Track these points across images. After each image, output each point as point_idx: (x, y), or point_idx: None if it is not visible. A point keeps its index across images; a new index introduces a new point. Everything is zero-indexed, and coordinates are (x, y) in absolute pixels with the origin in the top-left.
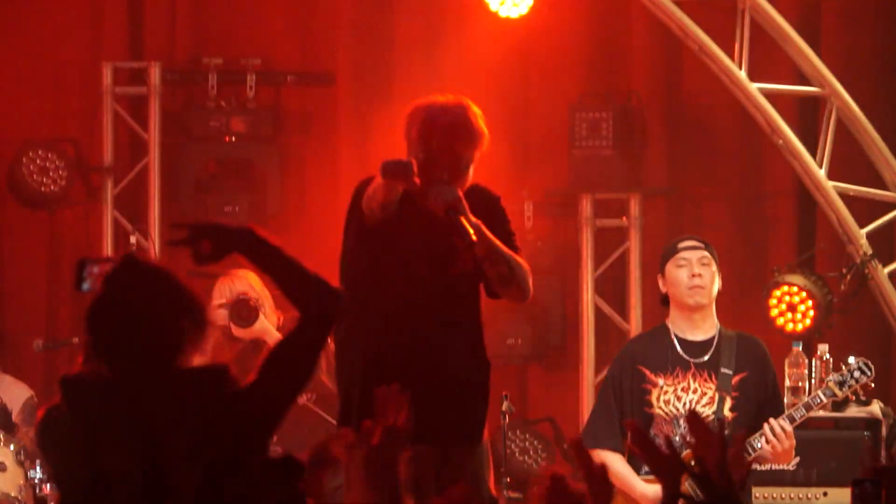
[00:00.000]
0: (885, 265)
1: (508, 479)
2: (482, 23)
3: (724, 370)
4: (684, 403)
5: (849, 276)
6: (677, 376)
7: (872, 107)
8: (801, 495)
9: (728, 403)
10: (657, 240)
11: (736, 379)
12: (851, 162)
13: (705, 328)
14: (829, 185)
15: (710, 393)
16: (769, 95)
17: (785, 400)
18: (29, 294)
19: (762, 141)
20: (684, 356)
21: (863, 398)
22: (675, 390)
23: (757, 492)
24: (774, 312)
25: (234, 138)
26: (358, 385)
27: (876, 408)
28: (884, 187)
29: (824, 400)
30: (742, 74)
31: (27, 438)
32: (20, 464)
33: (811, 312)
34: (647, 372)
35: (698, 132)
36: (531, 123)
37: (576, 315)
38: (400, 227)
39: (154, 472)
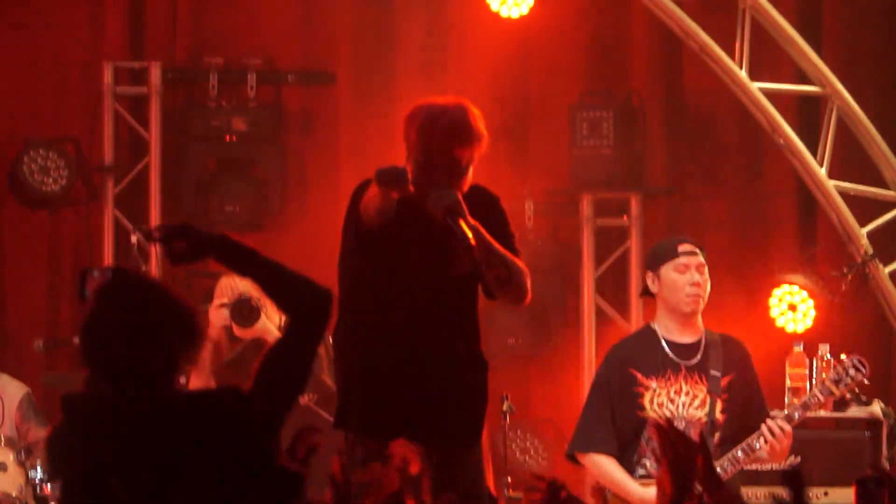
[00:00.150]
0: (885, 264)
1: (509, 479)
2: (483, 22)
3: (713, 372)
4: (677, 406)
5: (850, 276)
6: (669, 379)
7: (873, 106)
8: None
9: (719, 406)
10: (658, 239)
11: (725, 381)
12: (852, 161)
13: (692, 330)
14: (830, 184)
15: (701, 395)
16: (770, 95)
17: (786, 400)
18: (29, 294)
19: (763, 140)
20: (675, 359)
21: (859, 396)
22: (668, 393)
23: (758, 491)
24: (775, 312)
25: (234, 138)
26: (356, 386)
27: (877, 408)
28: (884, 186)
29: (822, 399)
30: (743, 74)
31: (31, 435)
32: (21, 464)
33: (812, 312)
34: (639, 375)
35: (699, 132)
36: (532, 123)
37: (576, 314)
38: (398, 229)
39: (159, 494)
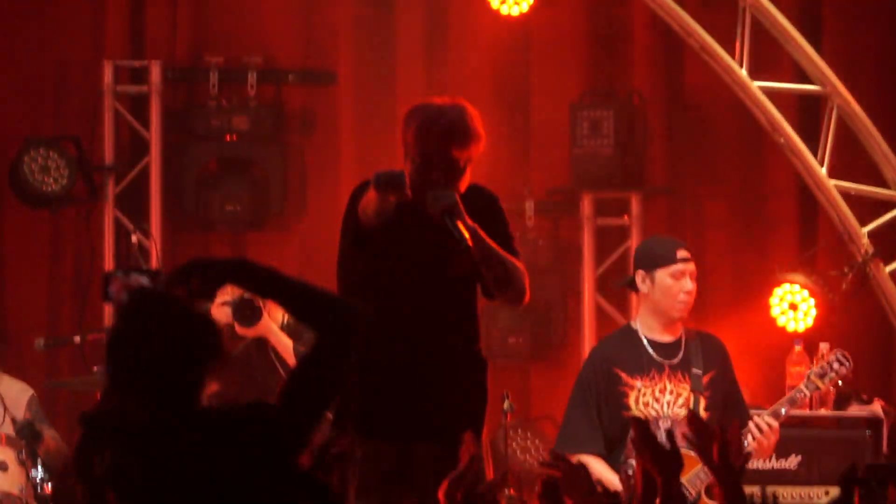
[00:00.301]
0: (886, 264)
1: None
2: (483, 21)
3: (694, 370)
4: (662, 405)
5: (850, 275)
6: (653, 378)
7: (873, 105)
8: (802, 494)
9: (702, 403)
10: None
11: (706, 378)
12: (852, 160)
13: (673, 329)
14: (831, 183)
15: (684, 394)
16: (770, 94)
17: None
18: (30, 293)
19: (763, 139)
20: (658, 358)
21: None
22: (653, 392)
23: (758, 490)
24: (776, 311)
25: (235, 137)
26: (355, 386)
27: (877, 407)
28: (885, 186)
29: (807, 394)
30: (743, 73)
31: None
32: (22, 463)
33: (813, 311)
34: (623, 375)
35: (699, 131)
36: (532, 122)
37: (577, 314)
38: (397, 229)
39: None
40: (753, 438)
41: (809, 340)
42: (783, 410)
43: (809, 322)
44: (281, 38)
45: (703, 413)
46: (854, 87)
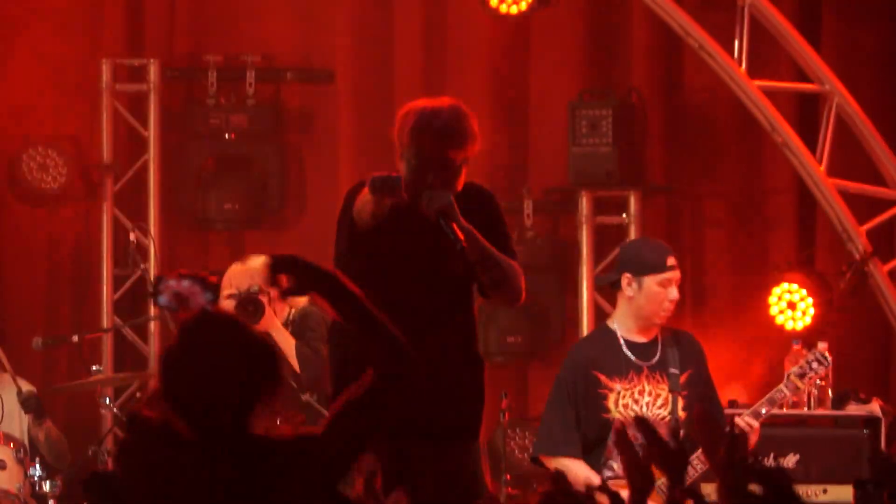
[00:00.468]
0: (884, 262)
1: (508, 477)
2: (482, 20)
3: (672, 370)
4: (641, 406)
5: (849, 274)
6: (632, 380)
7: (872, 104)
8: (801, 492)
9: (680, 403)
10: (657, 237)
11: (683, 378)
12: (851, 159)
13: (650, 331)
14: (829, 182)
15: (663, 394)
16: (769, 92)
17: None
18: (28, 291)
19: (762, 138)
20: (635, 359)
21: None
22: (632, 394)
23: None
24: (774, 310)
25: (233, 135)
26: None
27: (875, 406)
28: (883, 184)
29: (787, 394)
30: (742, 71)
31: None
32: (20, 461)
33: (811, 310)
34: (602, 377)
35: (698, 129)
36: (531, 120)
37: (575, 312)
38: (392, 229)
39: None
40: None
41: (808, 339)
42: (763, 410)
43: (808, 321)
44: (279, 36)
45: (681, 413)
46: (853, 85)
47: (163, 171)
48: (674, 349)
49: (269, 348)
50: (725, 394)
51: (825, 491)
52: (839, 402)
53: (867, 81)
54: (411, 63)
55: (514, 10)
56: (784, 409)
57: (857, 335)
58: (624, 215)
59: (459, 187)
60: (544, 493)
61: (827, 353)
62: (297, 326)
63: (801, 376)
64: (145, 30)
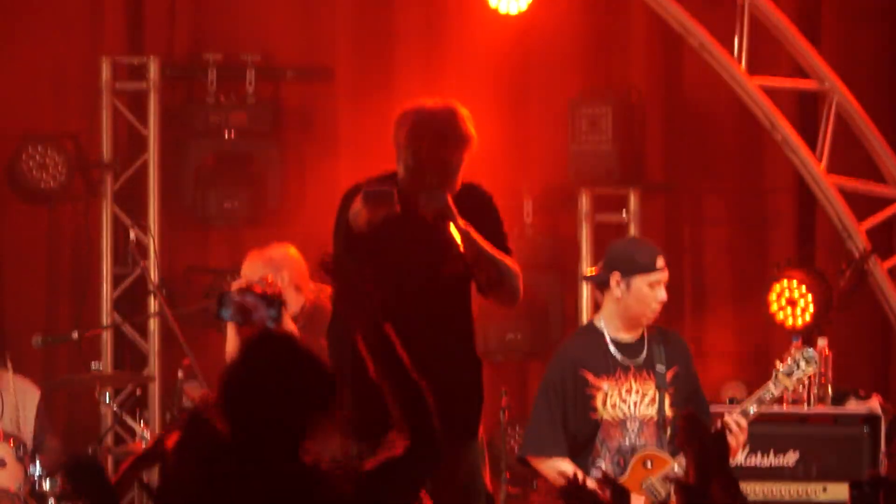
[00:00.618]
0: (884, 260)
1: (508, 475)
2: (482, 18)
3: (658, 368)
4: (629, 405)
5: (848, 272)
6: (619, 379)
7: (872, 101)
8: (800, 490)
9: (667, 401)
10: (657, 235)
11: (670, 375)
12: (851, 157)
13: (637, 329)
14: (829, 179)
15: (650, 393)
16: (769, 90)
17: (785, 396)
18: (28, 290)
19: (762, 136)
20: (622, 358)
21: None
22: (620, 393)
23: (757, 487)
24: (774, 307)
25: (233, 134)
26: (348, 384)
27: (875, 403)
28: (883, 182)
29: (776, 393)
30: (742, 69)
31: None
32: (20, 460)
33: (811, 307)
34: (590, 376)
35: (698, 127)
36: (531, 119)
37: (575, 310)
38: (389, 230)
39: None
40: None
41: (807, 336)
42: (752, 409)
43: (807, 318)
44: (279, 35)
45: (668, 411)
46: (852, 83)
47: (162, 170)
48: (660, 347)
49: (327, 377)
50: (725, 391)
51: (825, 489)
52: (839, 399)
53: (867, 79)
54: (411, 61)
55: (514, 9)
56: (785, 407)
57: (856, 333)
58: (624, 213)
59: (457, 187)
60: (561, 489)
61: (814, 352)
62: (308, 320)
63: (789, 375)
64: (145, 28)
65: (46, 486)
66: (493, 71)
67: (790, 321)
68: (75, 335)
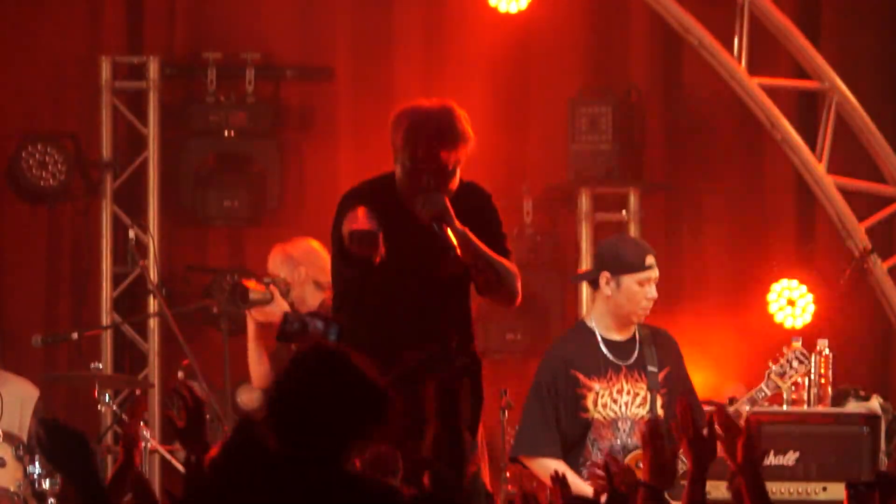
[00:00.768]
0: (884, 259)
1: (508, 475)
2: (481, 18)
3: (650, 368)
4: (620, 406)
5: (848, 271)
6: (610, 379)
7: (872, 101)
8: (800, 490)
9: (659, 401)
10: (656, 234)
11: (661, 375)
12: (851, 156)
13: (628, 329)
14: (829, 179)
15: (642, 393)
16: (768, 90)
17: (784, 395)
18: (28, 289)
19: (762, 135)
20: (614, 358)
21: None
22: (611, 393)
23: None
24: (774, 307)
25: (233, 133)
26: None
27: (875, 403)
28: (883, 182)
29: (768, 393)
30: (742, 69)
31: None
32: (19, 459)
33: (811, 307)
34: (581, 376)
35: (698, 127)
36: (530, 118)
37: (575, 309)
38: (388, 230)
39: None
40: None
41: (807, 336)
42: (744, 410)
43: (807, 318)
44: (279, 34)
45: (659, 411)
46: (852, 83)
47: (162, 169)
48: (651, 347)
49: (381, 392)
50: (725, 391)
51: (825, 489)
52: (839, 399)
53: (867, 79)
54: (411, 60)
55: (513, 8)
56: (785, 407)
57: (856, 332)
58: (623, 212)
59: (454, 187)
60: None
61: (806, 352)
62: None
63: (782, 375)
64: (145, 27)
65: (46, 485)
66: (493, 70)
67: (790, 321)
68: (75, 335)
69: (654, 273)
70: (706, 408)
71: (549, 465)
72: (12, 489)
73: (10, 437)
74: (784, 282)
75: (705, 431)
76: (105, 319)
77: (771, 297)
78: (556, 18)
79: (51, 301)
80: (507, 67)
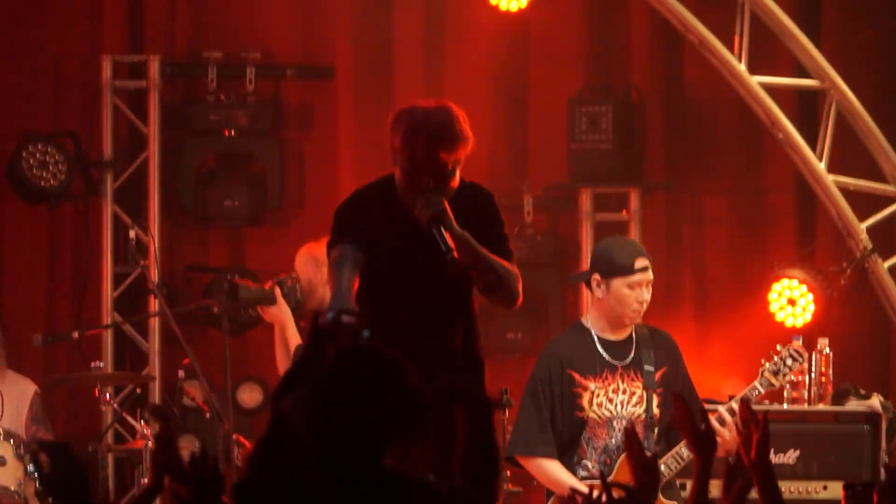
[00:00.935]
0: (884, 259)
1: (509, 474)
2: (482, 16)
3: (647, 367)
4: (616, 405)
5: (849, 271)
6: (606, 378)
7: (872, 100)
8: (801, 489)
9: (655, 401)
10: (657, 234)
11: (658, 375)
12: (851, 156)
13: (624, 329)
14: (829, 178)
15: (638, 392)
16: (769, 89)
17: (785, 395)
18: (28, 288)
19: (762, 135)
20: (610, 357)
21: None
22: (607, 392)
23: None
24: (775, 307)
25: (233, 132)
26: None
27: (876, 401)
28: (884, 181)
29: (762, 391)
30: (742, 68)
31: (39, 435)
32: (20, 458)
33: (811, 307)
34: (577, 376)
35: (698, 126)
36: (531, 117)
37: (575, 309)
38: (388, 232)
39: None
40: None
41: (808, 336)
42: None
43: (808, 317)
44: (279, 33)
45: (655, 410)
46: (853, 82)
47: (163, 168)
48: (649, 347)
49: (419, 394)
50: (725, 390)
51: (825, 487)
52: (839, 398)
53: (867, 78)
54: (411, 59)
55: (514, 6)
56: (785, 405)
57: (857, 331)
58: (624, 212)
59: (454, 188)
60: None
61: (801, 350)
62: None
63: (776, 373)
64: (145, 26)
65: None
66: (493, 69)
67: (791, 320)
68: (75, 334)
69: (646, 276)
70: (715, 406)
71: (543, 465)
72: (13, 488)
73: (10, 436)
74: (785, 281)
75: (703, 427)
76: (106, 319)
77: (771, 296)
78: (556, 18)
79: (51, 301)
80: (508, 67)
